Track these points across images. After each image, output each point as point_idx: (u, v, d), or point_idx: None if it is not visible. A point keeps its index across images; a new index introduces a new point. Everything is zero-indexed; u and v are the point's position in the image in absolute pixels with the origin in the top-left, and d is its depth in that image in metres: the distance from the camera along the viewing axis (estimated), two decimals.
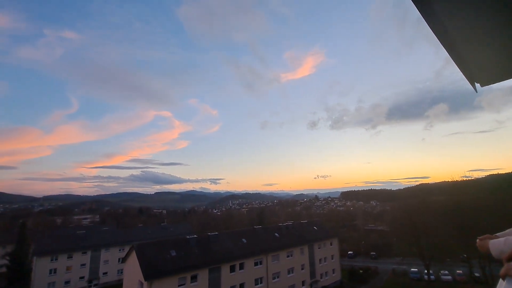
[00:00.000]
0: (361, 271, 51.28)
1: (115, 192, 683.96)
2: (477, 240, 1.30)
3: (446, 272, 47.43)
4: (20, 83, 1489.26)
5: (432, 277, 45.97)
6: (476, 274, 43.76)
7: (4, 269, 53.75)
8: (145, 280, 26.21)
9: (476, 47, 1.74)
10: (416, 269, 50.26)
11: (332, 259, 48.00)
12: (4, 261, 53.88)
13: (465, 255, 47.00)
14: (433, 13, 1.36)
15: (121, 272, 47.63)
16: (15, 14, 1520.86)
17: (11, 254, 52.18)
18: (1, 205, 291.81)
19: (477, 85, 2.22)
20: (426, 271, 45.66)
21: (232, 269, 33.44)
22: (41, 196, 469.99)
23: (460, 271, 47.13)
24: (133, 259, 29.64)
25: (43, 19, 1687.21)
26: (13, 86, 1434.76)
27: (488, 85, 2.20)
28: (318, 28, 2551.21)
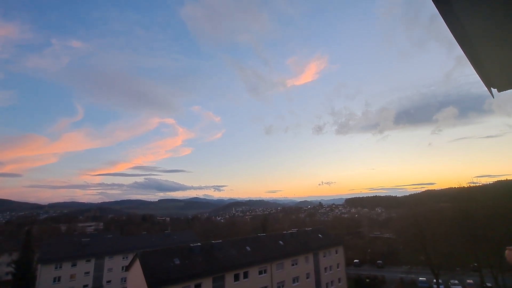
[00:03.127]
0: (367, 280, 50.13)
1: (118, 200, 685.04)
2: (507, 250, 1.24)
3: (456, 281, 46.13)
4: (27, 91, 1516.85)
5: (441, 286, 44.68)
6: (488, 284, 42.45)
7: (9, 277, 53.83)
8: None
9: (495, 49, 1.67)
10: (425, 278, 48.99)
11: (337, 267, 47.09)
12: (10, 269, 54.03)
13: (476, 264, 45.74)
14: (451, 12, 1.31)
15: (125, 281, 47.25)
16: (23, 25, 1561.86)
17: (17, 261, 52.30)
18: (7, 213, 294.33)
19: (494, 90, 2.15)
20: (435, 280, 44.43)
21: (236, 277, 32.95)
22: (46, 204, 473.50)
23: (471, 281, 45.78)
24: (137, 267, 29.43)
25: (50, 29, 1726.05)
26: (21, 94, 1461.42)
27: (506, 90, 2.11)
28: (323, 29, 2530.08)
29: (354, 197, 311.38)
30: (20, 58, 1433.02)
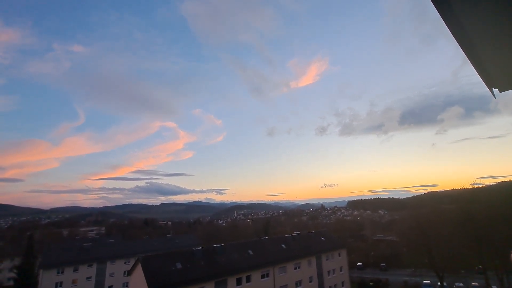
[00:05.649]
0: (371, 283, 49.73)
1: (120, 204, 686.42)
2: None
3: (461, 284, 45.59)
4: (29, 96, 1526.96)
5: None
6: (494, 287, 41.96)
7: (11, 282, 53.79)
8: None
9: (495, 50, 1.68)
10: (429, 281, 48.47)
11: (341, 271, 46.69)
12: (12, 274, 54.01)
13: (480, 266, 45.27)
14: (451, 13, 1.33)
15: (127, 285, 47.06)
16: (24, 30, 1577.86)
17: (19, 267, 52.27)
18: (9, 218, 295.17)
19: (495, 90, 2.16)
20: (439, 283, 43.97)
21: (239, 281, 32.70)
22: (48, 208, 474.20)
23: (476, 283, 45.27)
24: (139, 271, 29.31)
25: (51, 33, 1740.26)
26: (22, 99, 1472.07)
27: (507, 90, 2.12)
28: (326, 29, 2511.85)
29: (356, 200, 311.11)
30: (22, 63, 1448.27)
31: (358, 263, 67.76)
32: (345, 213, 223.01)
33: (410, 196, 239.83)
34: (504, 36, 1.54)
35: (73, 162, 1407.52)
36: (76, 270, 48.68)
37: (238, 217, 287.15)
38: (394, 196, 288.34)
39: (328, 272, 44.30)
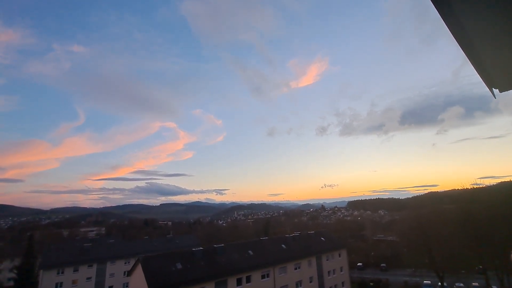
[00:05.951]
0: (371, 283, 49.69)
1: (120, 204, 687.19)
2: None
3: (461, 284, 45.53)
4: (29, 97, 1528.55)
5: None
6: (494, 287, 41.92)
7: (12, 283, 53.79)
8: None
9: (495, 50, 1.67)
10: (429, 282, 48.45)
11: (341, 271, 46.67)
12: (12, 275, 54.03)
13: (481, 266, 45.20)
14: (451, 13, 1.33)
15: (127, 286, 47.04)
16: (24, 30, 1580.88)
17: (19, 267, 52.26)
18: (9, 218, 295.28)
19: (495, 90, 2.16)
20: (440, 283, 43.95)
21: (239, 282, 32.70)
22: (48, 209, 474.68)
23: (476, 284, 45.23)
24: (139, 272, 29.31)
25: (51, 34, 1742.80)
26: (23, 100, 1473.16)
27: (507, 90, 2.12)
28: (326, 29, 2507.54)
29: (356, 200, 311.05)
30: (22, 63, 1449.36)
31: (358, 263, 67.71)
32: (345, 213, 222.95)
33: (410, 196, 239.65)
34: (504, 36, 1.53)
35: (73, 162, 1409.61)
36: (76, 270, 48.66)
37: (238, 217, 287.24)
38: (394, 196, 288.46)
39: (328, 272, 44.29)
